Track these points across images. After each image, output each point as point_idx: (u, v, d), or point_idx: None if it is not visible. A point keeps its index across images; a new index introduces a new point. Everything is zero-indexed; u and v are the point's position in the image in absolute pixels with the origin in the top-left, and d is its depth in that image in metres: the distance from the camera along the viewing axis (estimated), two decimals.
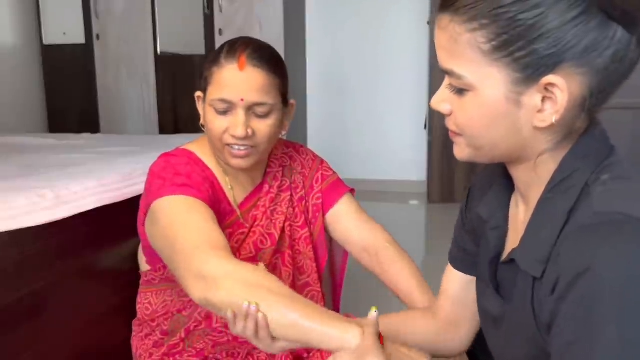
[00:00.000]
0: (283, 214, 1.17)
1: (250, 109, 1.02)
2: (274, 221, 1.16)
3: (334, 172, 1.27)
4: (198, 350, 1.14)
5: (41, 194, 1.25)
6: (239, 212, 1.13)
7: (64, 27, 3.94)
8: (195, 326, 1.14)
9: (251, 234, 1.14)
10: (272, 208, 1.17)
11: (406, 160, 4.22)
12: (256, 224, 1.14)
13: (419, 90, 4.06)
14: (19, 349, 1.17)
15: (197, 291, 0.86)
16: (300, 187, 1.22)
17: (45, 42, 3.97)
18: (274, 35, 3.62)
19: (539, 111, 0.64)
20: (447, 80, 0.69)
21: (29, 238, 1.21)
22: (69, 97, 3.99)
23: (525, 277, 0.69)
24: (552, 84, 0.61)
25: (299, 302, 0.82)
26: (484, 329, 0.86)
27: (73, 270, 1.32)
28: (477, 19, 0.62)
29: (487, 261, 0.80)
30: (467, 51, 0.64)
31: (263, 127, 1.03)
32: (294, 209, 1.20)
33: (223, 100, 1.01)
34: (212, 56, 1.05)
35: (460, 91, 0.67)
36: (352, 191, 1.27)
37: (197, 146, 1.13)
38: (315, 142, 4.19)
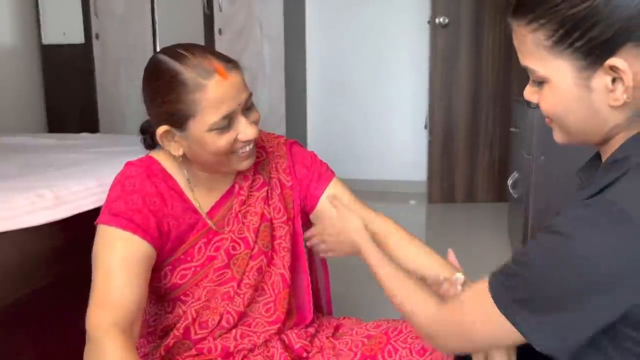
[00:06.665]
0: (257, 215, 1.13)
1: (244, 107, 1.02)
2: (246, 224, 1.12)
3: (313, 156, 1.21)
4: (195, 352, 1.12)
5: (40, 194, 1.25)
6: (210, 222, 1.10)
7: (63, 26, 3.93)
8: (175, 342, 1.11)
9: (222, 241, 1.10)
10: (243, 210, 1.13)
11: (406, 160, 4.21)
12: (228, 229, 1.11)
13: (419, 90, 4.05)
14: (19, 349, 1.17)
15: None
16: (276, 182, 1.17)
17: (45, 41, 3.96)
18: (274, 35, 3.62)
19: (611, 91, 0.69)
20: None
21: (29, 238, 1.20)
22: (68, 96, 3.99)
23: None
24: (615, 66, 0.67)
25: None
26: None
27: (73, 270, 1.32)
28: (536, 20, 0.71)
29: None
30: (533, 49, 0.73)
31: (256, 116, 1.05)
32: (269, 206, 1.15)
33: (226, 117, 0.99)
34: (176, 88, 0.98)
35: (539, 83, 0.76)
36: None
37: (165, 155, 1.11)
38: (315, 142, 4.19)
